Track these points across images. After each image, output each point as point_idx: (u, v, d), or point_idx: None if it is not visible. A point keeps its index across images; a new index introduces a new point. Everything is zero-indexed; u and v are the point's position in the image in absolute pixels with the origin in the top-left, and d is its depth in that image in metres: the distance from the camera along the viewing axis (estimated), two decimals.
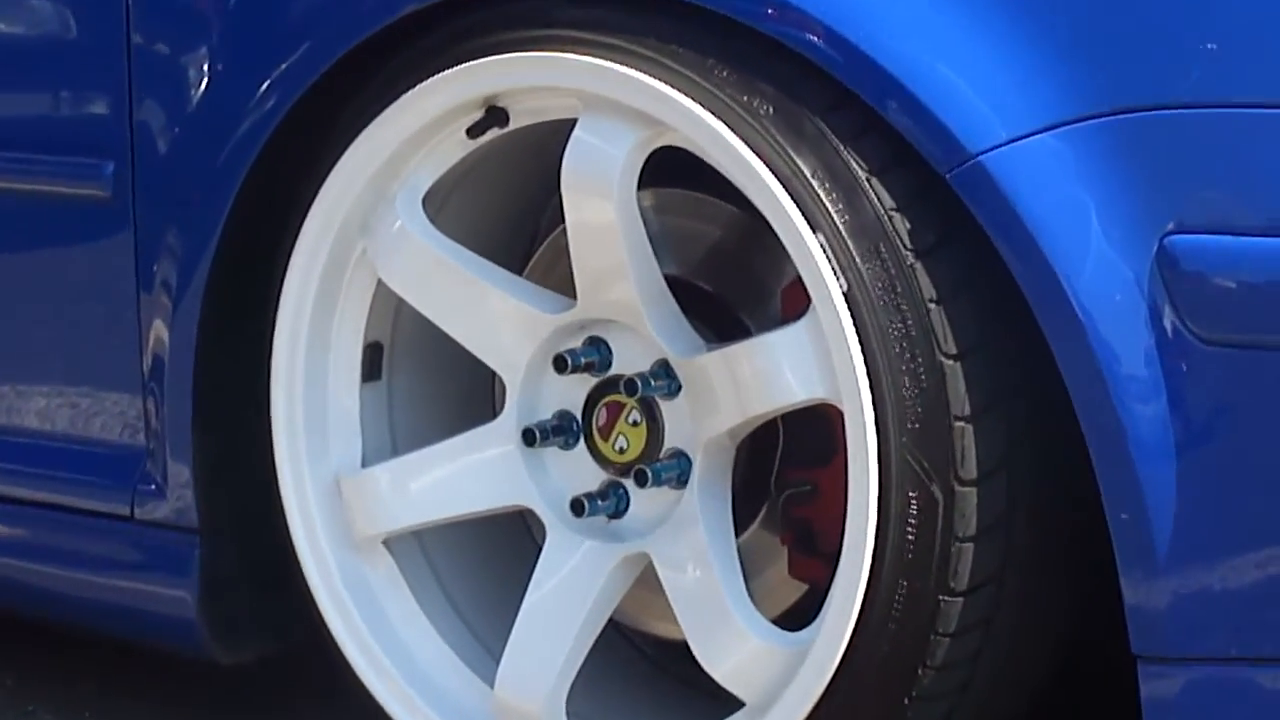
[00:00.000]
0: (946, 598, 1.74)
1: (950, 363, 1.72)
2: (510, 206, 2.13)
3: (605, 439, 1.98)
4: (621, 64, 1.84)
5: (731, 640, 1.88)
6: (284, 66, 2.02)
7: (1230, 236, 1.64)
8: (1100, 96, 1.68)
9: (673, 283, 1.95)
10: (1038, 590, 1.83)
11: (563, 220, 1.95)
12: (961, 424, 1.72)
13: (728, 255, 2.05)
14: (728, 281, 2.04)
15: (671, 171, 1.97)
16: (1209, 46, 1.68)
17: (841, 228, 1.74)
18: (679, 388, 1.93)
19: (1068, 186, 1.68)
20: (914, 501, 1.73)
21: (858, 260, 1.73)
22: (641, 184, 1.90)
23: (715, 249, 2.07)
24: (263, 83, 2.02)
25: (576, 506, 1.96)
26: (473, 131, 1.96)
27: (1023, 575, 1.80)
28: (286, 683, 2.31)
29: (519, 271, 2.10)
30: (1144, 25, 1.72)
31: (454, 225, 2.04)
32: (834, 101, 1.75)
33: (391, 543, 2.09)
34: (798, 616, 1.94)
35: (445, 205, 2.05)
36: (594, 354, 1.96)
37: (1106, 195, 1.67)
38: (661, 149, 1.88)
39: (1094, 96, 1.68)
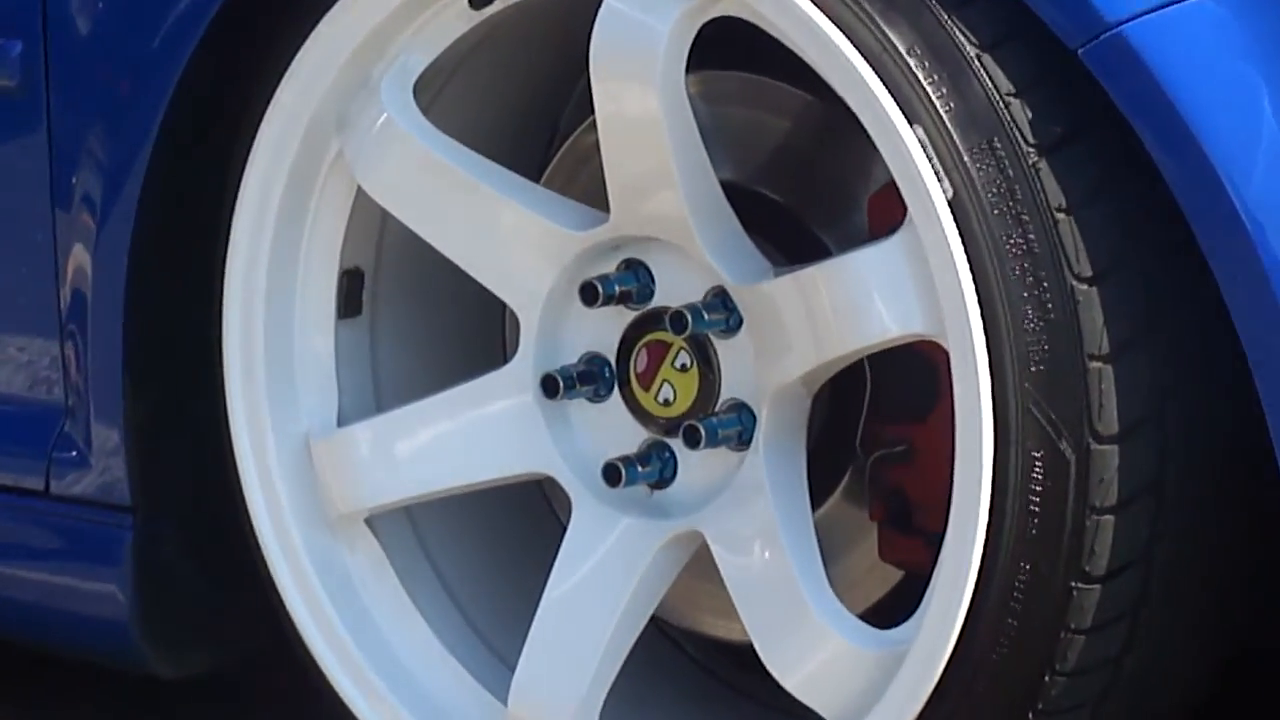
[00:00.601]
0: (1080, 584, 1.72)
1: (1084, 287, 1.69)
2: (524, 97, 2.15)
3: (646, 388, 1.98)
4: None
5: (807, 641, 1.88)
6: None
7: None
8: None
9: (730, 191, 1.94)
10: (1197, 576, 1.81)
11: (591, 113, 1.95)
12: (1099, 364, 1.69)
13: (800, 155, 2.06)
14: (800, 188, 2.05)
15: (729, 51, 1.98)
16: None
17: (945, 118, 1.72)
18: (739, 322, 1.92)
19: (1233, 62, 1.68)
20: (1039, 463, 1.71)
21: (966, 159, 1.71)
22: (691, 66, 1.89)
23: (784, 148, 2.07)
24: None
25: (611, 474, 1.95)
26: (476, 1, 1.97)
27: (1178, 556, 1.78)
28: (244, 698, 2.31)
29: (535, 178, 2.11)
30: None
31: (453, 120, 2.05)
32: None
33: (375, 521, 2.11)
34: (891, 611, 1.96)
35: (442, 94, 2.07)
36: (631, 281, 1.97)
37: None
38: (716, 20, 1.86)
39: None
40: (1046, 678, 1.76)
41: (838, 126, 1.92)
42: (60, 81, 2.15)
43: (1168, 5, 1.66)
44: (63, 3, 2.16)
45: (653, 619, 2.06)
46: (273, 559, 2.12)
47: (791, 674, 1.89)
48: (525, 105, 2.14)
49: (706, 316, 1.93)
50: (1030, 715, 1.78)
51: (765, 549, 1.91)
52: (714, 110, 2.04)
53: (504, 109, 2.12)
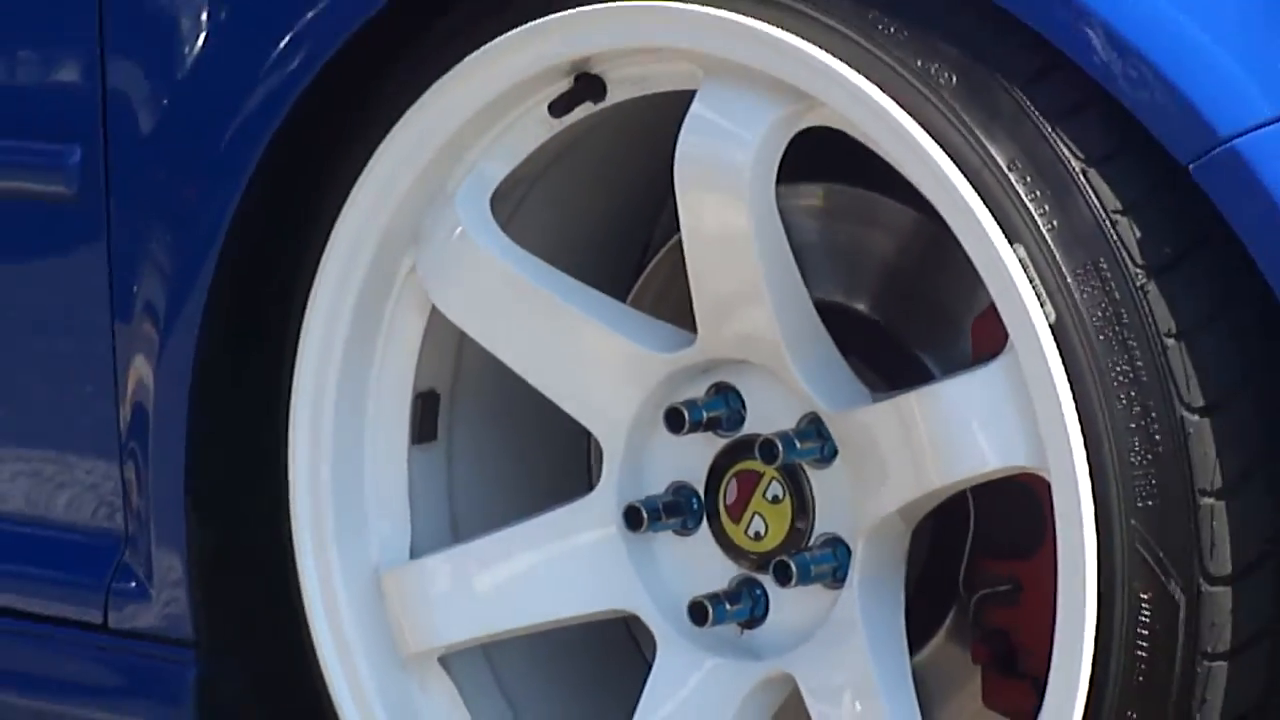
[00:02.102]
0: None
1: (1195, 418, 1.73)
2: (613, 208, 2.16)
3: (736, 521, 2.02)
4: (756, 16, 1.88)
5: None
6: (310, 16, 2.08)
7: None
8: None
9: (825, 311, 2.00)
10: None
11: (679, 228, 2.00)
12: (1211, 500, 1.73)
13: (901, 274, 2.09)
14: (901, 309, 2.09)
15: (825, 163, 2.00)
16: None
17: (1048, 237, 1.77)
18: (834, 452, 1.97)
19: None
20: (1146, 605, 1.75)
21: (1070, 281, 1.76)
22: (782, 179, 1.94)
23: (884, 265, 2.10)
24: (282, 38, 2.08)
25: (698, 612, 1.99)
26: (557, 108, 2.02)
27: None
28: None
29: (622, 297, 2.14)
30: None
31: (534, 234, 2.10)
32: (1040, 68, 1.80)
33: (450, 659, 2.15)
34: None
35: (522, 206, 2.12)
36: (720, 406, 2.02)
37: None
38: (809, 131, 1.92)
39: None
40: None
41: (940, 243, 1.94)
42: (121, 187, 2.18)
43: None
44: (124, 103, 2.19)
45: None
46: (339, 699, 2.16)
47: None
48: (614, 217, 2.15)
49: (799, 445, 1.97)
50: None
51: (859, 697, 1.95)
52: (808, 225, 2.06)
53: (590, 222, 2.14)
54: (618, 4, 1.96)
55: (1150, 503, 1.75)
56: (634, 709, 2.05)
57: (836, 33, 1.86)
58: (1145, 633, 1.76)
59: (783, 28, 1.87)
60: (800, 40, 1.86)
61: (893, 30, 1.84)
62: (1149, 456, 1.75)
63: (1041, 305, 1.77)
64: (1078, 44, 1.76)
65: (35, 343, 2.33)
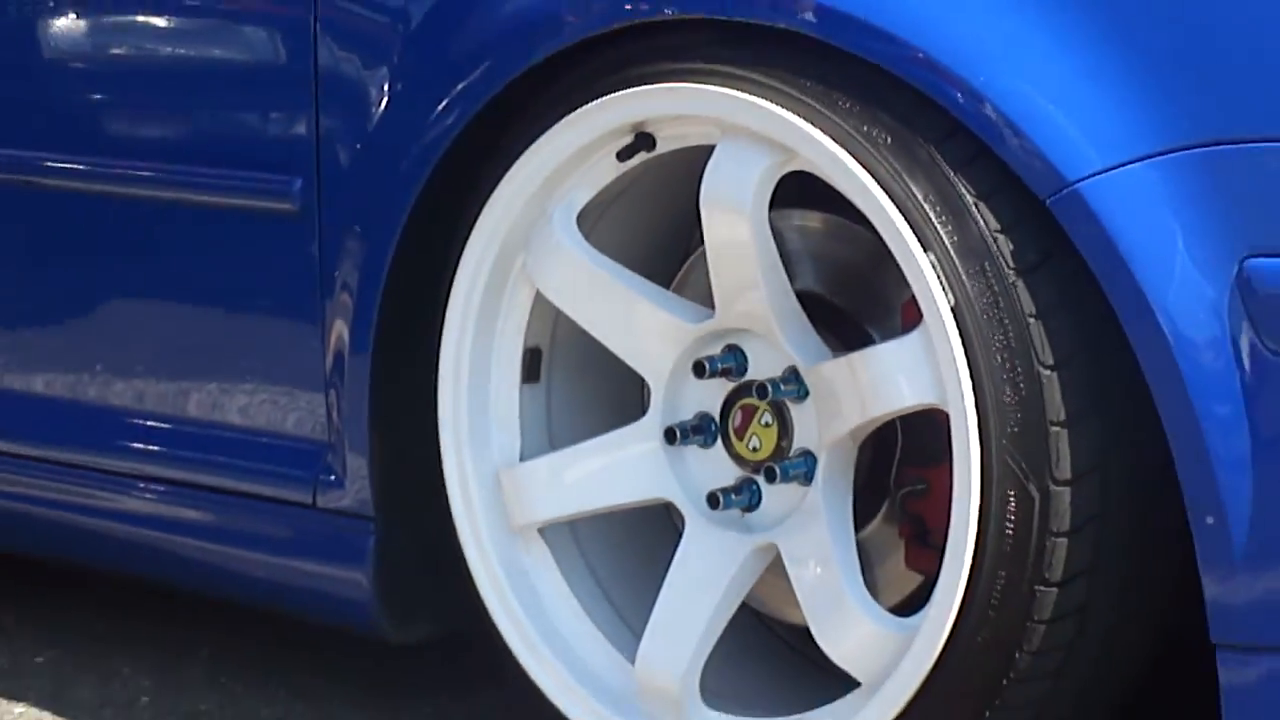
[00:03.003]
0: (1041, 588, 1.80)
1: (1047, 372, 1.79)
2: (659, 225, 2.17)
3: (740, 439, 2.04)
4: (755, 95, 1.91)
5: (848, 626, 1.94)
6: (459, 88, 2.09)
7: None
8: (1188, 130, 1.74)
9: (802, 296, 2.02)
10: (1130, 584, 1.87)
11: (704, 239, 2.02)
12: (1057, 429, 1.78)
13: (852, 272, 2.08)
14: (852, 296, 2.08)
15: (804, 194, 2.03)
16: None
17: (950, 247, 1.82)
18: (807, 393, 1.99)
19: (1157, 213, 1.74)
20: (1012, 499, 1.79)
21: (964, 277, 1.81)
22: (775, 205, 1.97)
23: (841, 266, 2.09)
24: (439, 103, 2.10)
25: (713, 500, 2.02)
26: (622, 155, 2.04)
27: (1115, 569, 1.85)
28: (449, 659, 2.34)
29: (668, 285, 2.15)
30: (1229, 66, 1.77)
31: (606, 241, 2.11)
32: (946, 131, 1.83)
33: (546, 531, 2.16)
34: (911, 605, 2.00)
35: (598, 223, 2.12)
36: (731, 360, 2.03)
37: (1192, 221, 1.74)
38: (792, 173, 1.95)
39: (1182, 130, 1.74)
40: (1017, 654, 1.84)
41: (880, 251, 1.92)
42: (328, 204, 2.22)
43: (1112, 169, 1.74)
44: (331, 146, 2.22)
45: (749, 608, 2.11)
46: (471, 557, 2.18)
47: (836, 649, 1.96)
48: (661, 231, 2.18)
49: (783, 388, 2.00)
50: (1005, 681, 1.85)
51: (821, 562, 1.97)
52: (792, 237, 2.09)
53: (646, 234, 2.18)
54: (665, 85, 1.98)
55: (1015, 429, 1.80)
56: (669, 565, 2.08)
57: (809, 107, 1.89)
58: (1011, 518, 1.81)
59: (774, 103, 1.90)
60: (785, 112, 1.90)
61: (847, 106, 1.87)
62: (1016, 398, 1.81)
63: (945, 294, 1.83)
64: (971, 117, 1.80)
65: (270, 312, 2.38)
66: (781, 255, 2.02)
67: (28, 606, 2.82)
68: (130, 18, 2.47)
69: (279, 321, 2.36)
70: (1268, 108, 1.76)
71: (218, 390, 2.44)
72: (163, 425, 2.48)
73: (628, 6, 2.01)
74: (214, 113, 2.40)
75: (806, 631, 2.06)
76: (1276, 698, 1.81)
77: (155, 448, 2.49)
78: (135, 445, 2.49)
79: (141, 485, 2.49)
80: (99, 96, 2.49)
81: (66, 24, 2.48)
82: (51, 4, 2.51)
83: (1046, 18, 1.84)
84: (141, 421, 2.50)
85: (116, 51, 2.47)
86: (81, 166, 2.48)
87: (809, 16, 1.91)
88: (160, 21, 2.43)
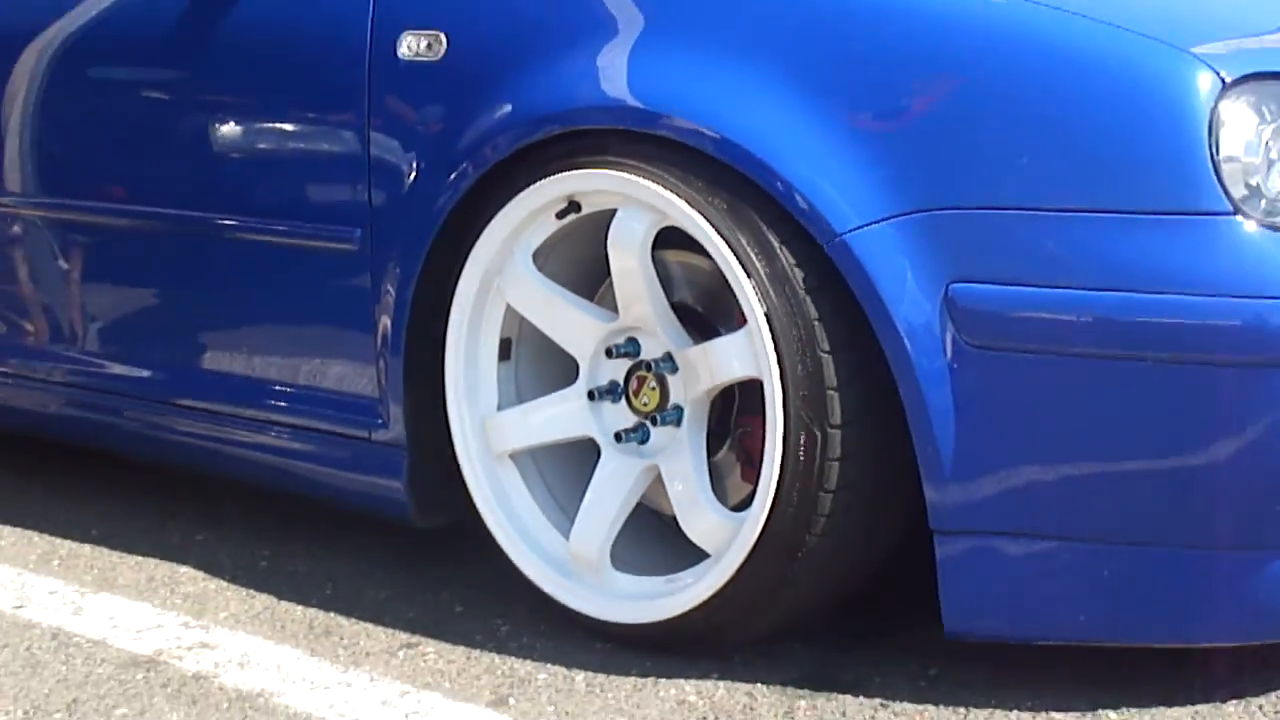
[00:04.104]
0: (822, 493, 1.85)
1: (826, 356, 1.83)
2: (585, 260, 2.11)
3: (635, 397, 2.04)
4: (641, 178, 1.92)
5: (701, 517, 1.97)
6: (455, 174, 2.08)
7: (984, 285, 1.76)
8: (913, 201, 1.78)
9: (676, 305, 2.03)
10: (879, 491, 1.90)
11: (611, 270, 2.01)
12: (832, 392, 1.83)
13: (706, 289, 2.06)
14: (706, 305, 2.07)
15: (681, 240, 1.99)
16: (983, 171, 1.78)
17: (764, 275, 1.85)
18: (677, 368, 2.00)
19: (894, 254, 1.77)
20: (803, 437, 1.83)
21: (773, 295, 1.84)
22: (660, 246, 1.98)
23: (700, 286, 2.07)
24: (444, 182, 2.09)
25: (619, 436, 2.04)
26: (560, 215, 2.03)
27: (869, 482, 1.88)
28: (461, 537, 2.28)
29: (591, 298, 2.12)
30: (936, 164, 1.80)
31: (551, 270, 2.09)
32: (761, 200, 1.84)
33: (514, 456, 2.14)
34: (748, 505, 1.95)
35: (547, 259, 2.09)
36: (630, 347, 2.04)
37: (916, 260, 1.77)
38: (667, 227, 1.95)
39: (910, 201, 1.78)
40: (807, 535, 1.87)
41: (724, 279, 1.91)
42: (377, 245, 2.20)
43: (865, 226, 1.78)
44: (379, 208, 2.19)
45: (642, 505, 2.10)
46: (466, 473, 2.16)
47: (694, 532, 1.99)
48: (587, 263, 2.12)
49: (662, 365, 2.01)
50: (799, 553, 1.87)
51: (684, 479, 2.00)
52: (672, 266, 2.07)
53: (577, 265, 2.13)
54: (587, 171, 1.97)
55: (805, 393, 1.84)
56: (591, 476, 2.08)
57: (674, 185, 1.91)
58: (803, 449, 1.85)
59: (653, 183, 1.91)
60: (660, 188, 1.91)
61: (699, 184, 1.88)
62: (805, 372, 1.84)
63: (760, 305, 1.84)
64: (776, 190, 1.83)
65: (340, 315, 2.30)
66: (664, 279, 2.02)
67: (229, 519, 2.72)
68: (252, 124, 2.44)
69: (346, 321, 2.29)
70: (957, 191, 1.79)
71: (311, 366, 2.39)
72: (279, 388, 2.43)
73: (546, 126, 2.02)
74: (304, 184, 2.35)
75: (663, 517, 2.11)
76: (968, 565, 1.84)
77: (278, 403, 2.43)
78: (266, 402, 2.44)
79: (269, 427, 2.44)
80: (235, 173, 2.44)
81: (204, 122, 2.46)
82: (191, 108, 2.49)
83: (826, 126, 1.84)
84: (269, 386, 2.45)
85: (242, 142, 2.45)
86: (232, 221, 2.44)
87: (672, 128, 1.92)
88: (275, 125, 2.41)
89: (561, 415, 2.13)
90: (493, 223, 2.08)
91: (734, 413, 2.07)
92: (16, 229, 2.69)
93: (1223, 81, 1.70)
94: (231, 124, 2.42)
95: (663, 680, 1.97)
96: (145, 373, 2.59)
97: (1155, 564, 1.78)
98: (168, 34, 2.47)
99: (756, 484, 1.91)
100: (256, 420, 2.44)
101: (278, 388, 2.42)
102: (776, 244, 1.85)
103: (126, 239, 2.59)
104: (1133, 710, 1.86)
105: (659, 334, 2.01)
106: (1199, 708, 1.87)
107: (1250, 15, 1.99)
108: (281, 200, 2.34)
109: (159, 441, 2.60)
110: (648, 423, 2.05)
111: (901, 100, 1.83)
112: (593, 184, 1.99)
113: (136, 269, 2.59)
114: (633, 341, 2.05)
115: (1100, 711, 1.86)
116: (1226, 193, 1.69)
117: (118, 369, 2.61)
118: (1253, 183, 1.71)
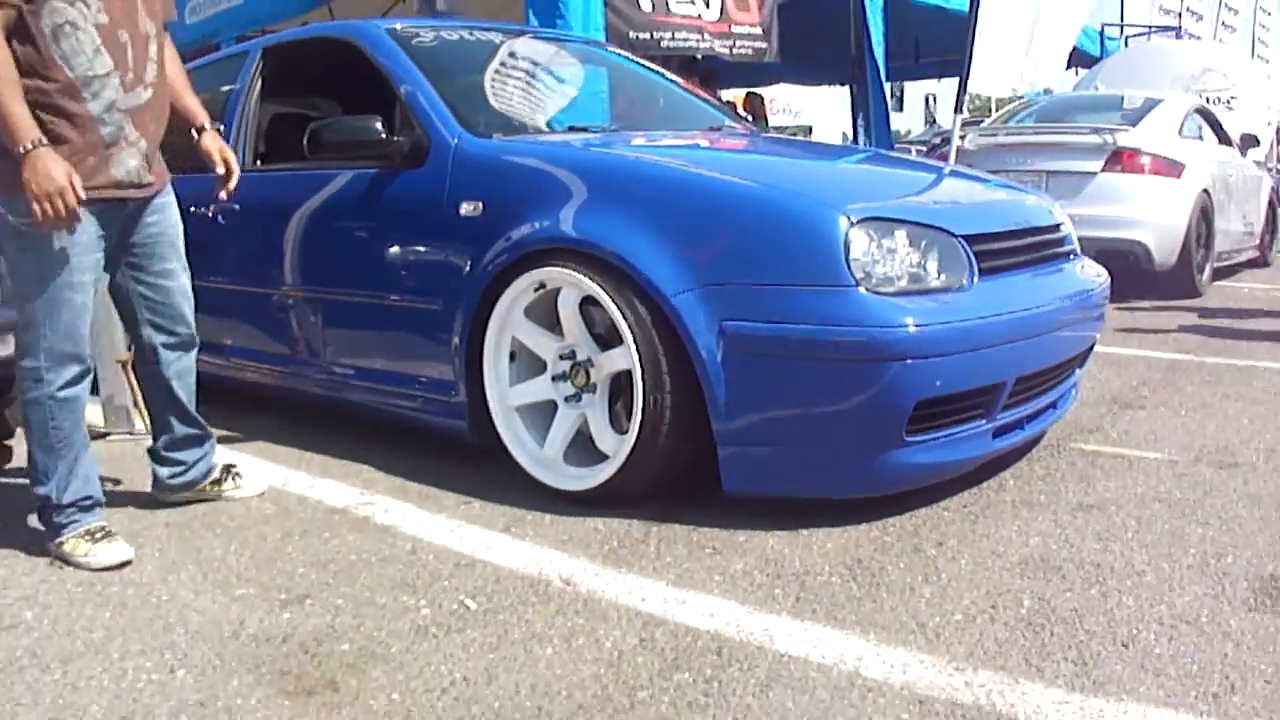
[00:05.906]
0: (662, 425, 1.84)
1: (662, 359, 1.83)
2: (551, 311, 2.02)
3: (574, 379, 2.03)
4: (574, 271, 1.92)
5: (605, 437, 1.98)
6: (488, 268, 2.02)
7: (739, 321, 1.74)
8: (706, 279, 1.77)
9: (595, 335, 2.01)
10: (690, 423, 1.85)
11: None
12: (666, 376, 1.84)
13: (610, 326, 1.94)
14: (610, 332, 1.96)
15: (593, 300, 1.92)
16: (735, 266, 1.70)
17: (632, 319, 1.86)
18: (594, 365, 1.99)
19: (696, 308, 1.78)
20: (654, 400, 1.84)
21: (637, 329, 1.85)
22: (583, 305, 1.97)
23: (607, 324, 1.96)
24: (483, 273, 2.03)
25: (568, 400, 2.04)
26: (536, 290, 2.02)
27: (684, 419, 1.85)
28: (488, 449, 2.15)
29: (553, 331, 2.04)
30: (717, 258, 1.73)
31: (535, 317, 2.05)
32: (629, 279, 1.83)
33: (520, 409, 2.10)
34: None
35: (531, 311, 2.05)
36: (571, 355, 2.03)
37: (707, 309, 1.77)
38: (587, 295, 1.93)
39: (704, 279, 1.77)
40: (656, 444, 1.85)
41: (614, 321, 1.84)
42: (448, 304, 2.04)
43: (680, 293, 1.76)
44: (451, 287, 2.03)
45: (581, 433, 2.02)
46: (495, 415, 2.09)
47: (602, 444, 1.97)
48: (551, 313, 2.03)
49: (590, 362, 1.99)
50: (655, 445, 1.83)
51: (596, 419, 1.98)
52: (597, 313, 1.92)
53: (546, 314, 2.04)
54: (548, 269, 1.93)
55: (652, 377, 1.81)
56: (553, 419, 2.02)
57: (590, 274, 1.87)
58: (652, 405, 1.83)
59: (580, 274, 1.86)
60: (583, 277, 1.88)
61: (603, 273, 1.84)
62: (653, 367, 1.82)
63: (631, 333, 1.84)
64: (639, 276, 1.80)
65: (433, 342, 2.15)
66: (587, 321, 2.00)
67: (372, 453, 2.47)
68: (391, 247, 2.23)
69: (438, 342, 2.16)
70: (724, 275, 1.74)
71: (423, 365, 2.21)
72: (409, 375, 2.25)
73: (529, 247, 1.97)
74: (417, 277, 2.20)
75: (589, 437, 2.04)
76: (734, 459, 1.81)
77: (409, 382, 2.24)
78: (402, 381, 2.26)
79: (405, 395, 2.26)
80: (384, 271, 2.23)
81: (372, 247, 2.28)
82: (366, 239, 2.32)
83: (664, 247, 1.82)
84: (403, 375, 2.26)
85: (385, 257, 2.23)
86: (384, 296, 2.25)
87: (592, 248, 1.89)
88: (405, 246, 2.20)
89: (539, 389, 2.11)
90: (504, 294, 2.08)
91: (621, 386, 2.03)
92: (290, 300, 2.58)
93: (851, 221, 1.77)
94: (385, 248, 2.29)
95: (589, 517, 1.97)
96: (348, 369, 2.46)
97: (823, 457, 1.80)
98: (350, 202, 2.40)
99: (631, 421, 1.91)
100: (397, 391, 2.33)
101: (408, 374, 2.31)
102: (638, 303, 1.87)
103: (340, 306, 2.45)
104: (821, 531, 1.85)
105: (584, 348, 2.03)
106: (860, 526, 1.86)
107: (876, 186, 2.10)
108: (408, 286, 2.25)
109: (352, 402, 2.47)
110: (581, 392, 2.04)
111: (696, 233, 1.85)
112: (551, 276, 2.00)
113: (345, 321, 2.46)
114: (572, 352, 2.06)
115: (803, 531, 1.83)
116: (853, 276, 1.74)
117: (335, 367, 2.50)
118: (866, 272, 1.77)
